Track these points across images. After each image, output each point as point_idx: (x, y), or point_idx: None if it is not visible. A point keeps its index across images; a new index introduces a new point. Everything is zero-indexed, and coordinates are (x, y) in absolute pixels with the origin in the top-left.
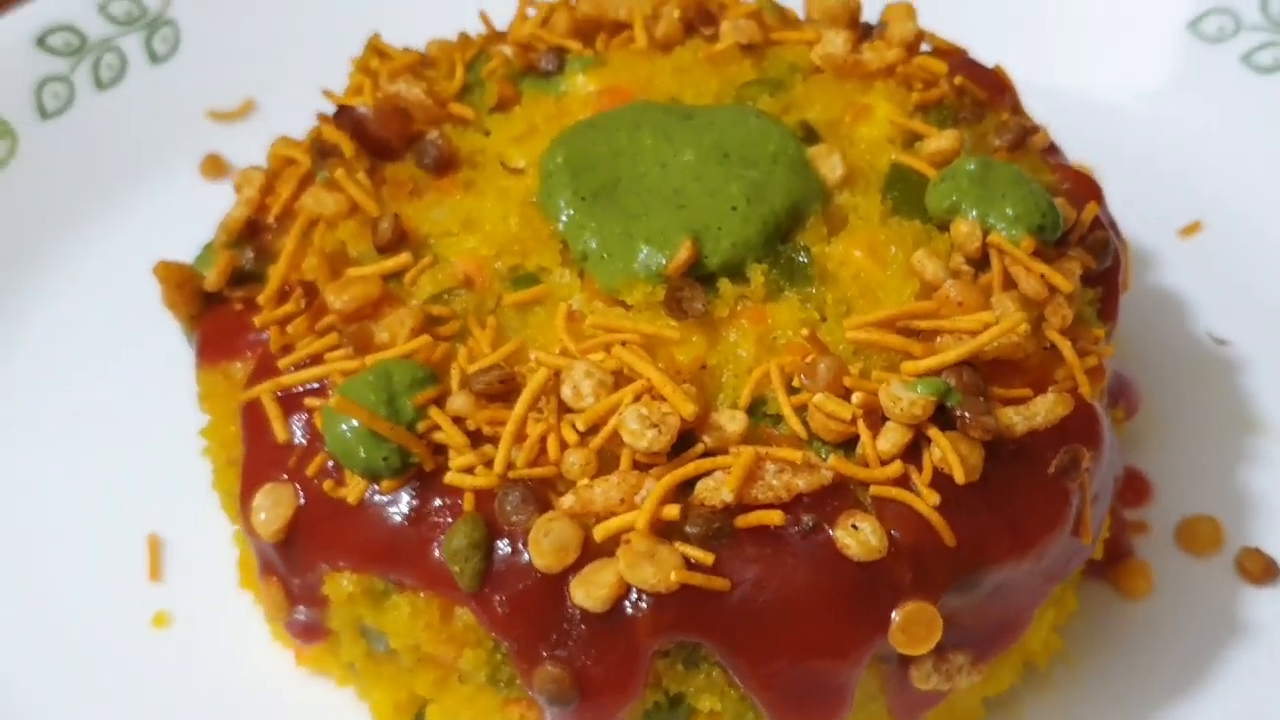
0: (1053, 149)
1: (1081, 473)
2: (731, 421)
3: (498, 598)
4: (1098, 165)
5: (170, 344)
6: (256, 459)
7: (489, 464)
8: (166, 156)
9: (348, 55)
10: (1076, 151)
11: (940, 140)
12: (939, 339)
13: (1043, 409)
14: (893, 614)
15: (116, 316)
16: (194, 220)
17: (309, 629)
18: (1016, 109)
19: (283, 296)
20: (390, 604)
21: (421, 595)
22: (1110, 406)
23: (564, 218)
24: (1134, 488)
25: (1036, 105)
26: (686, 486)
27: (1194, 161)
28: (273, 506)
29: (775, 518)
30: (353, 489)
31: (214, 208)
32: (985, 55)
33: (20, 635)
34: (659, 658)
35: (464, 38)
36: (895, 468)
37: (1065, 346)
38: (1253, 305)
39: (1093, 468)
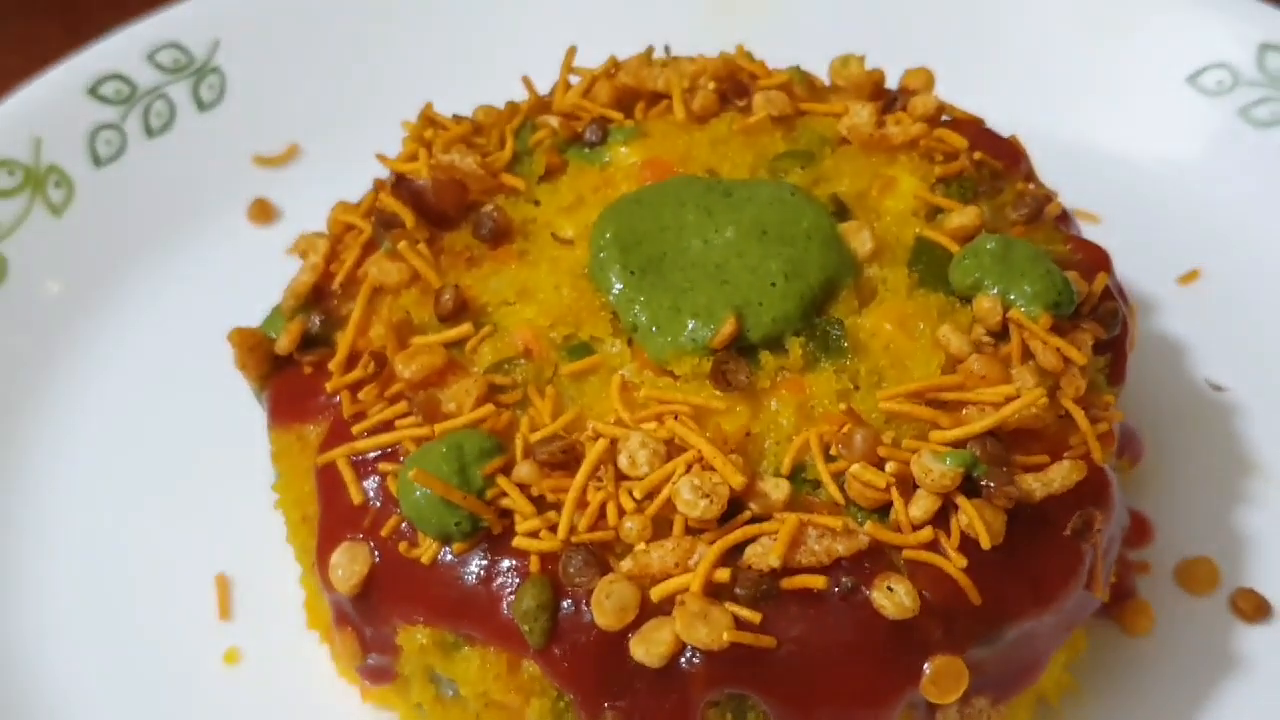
0: (1065, 216)
1: (1094, 533)
2: (776, 489)
3: (564, 654)
4: (1102, 213)
5: (229, 384)
6: (333, 518)
7: (553, 528)
8: (215, 201)
9: (387, 100)
10: (1082, 200)
11: (962, 217)
12: (964, 410)
13: (1059, 476)
14: (924, 667)
15: (176, 358)
16: (244, 264)
17: (379, 672)
18: (1030, 176)
19: (351, 362)
20: (461, 655)
21: (491, 649)
22: (1117, 457)
23: (614, 291)
24: (1137, 529)
25: (1043, 156)
26: (735, 550)
27: (1194, 211)
28: (349, 564)
29: (818, 582)
30: (426, 550)
31: (263, 251)
32: (996, 107)
33: (97, 672)
34: (710, 707)
35: (511, 106)
36: (926, 533)
37: (1079, 415)
38: (1249, 352)
39: (1104, 527)
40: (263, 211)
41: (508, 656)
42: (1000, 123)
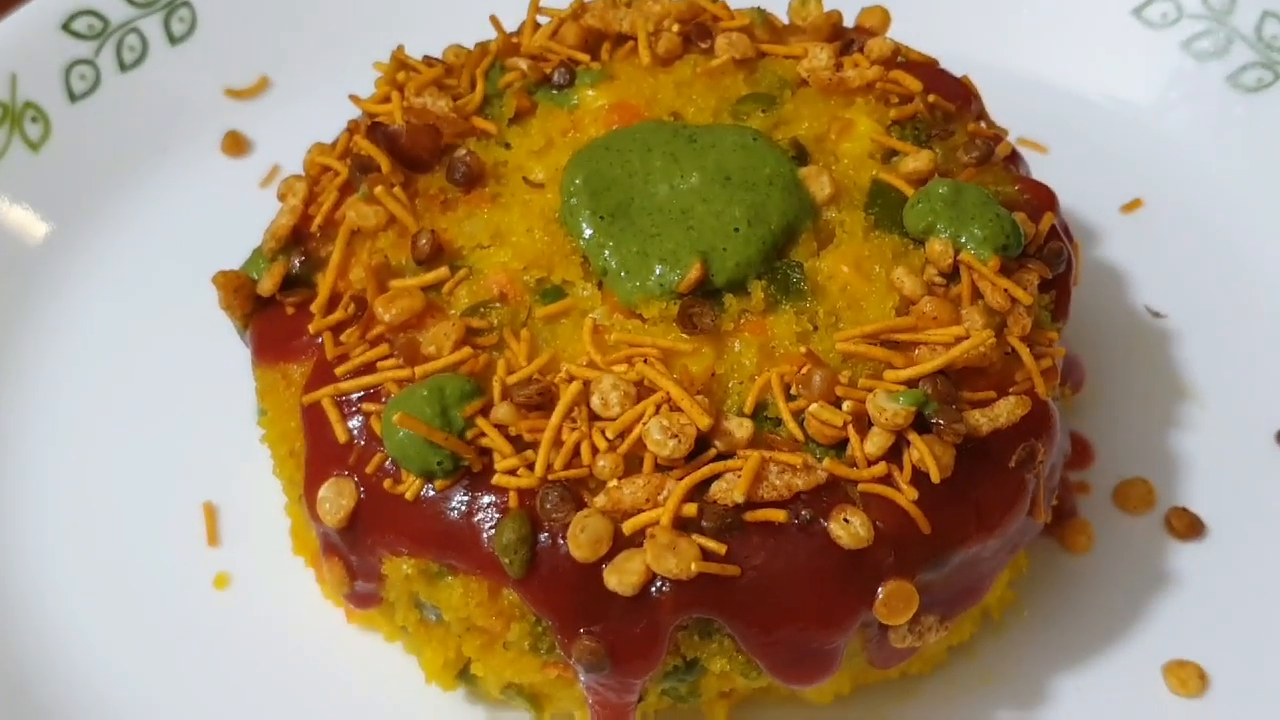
0: (1014, 156)
1: (1037, 464)
2: (739, 428)
3: (541, 583)
4: (1049, 144)
5: (208, 315)
6: (320, 455)
7: (530, 467)
8: (188, 134)
9: (355, 31)
10: (1030, 131)
11: (916, 161)
12: (916, 350)
13: (1004, 411)
14: (877, 590)
15: (157, 290)
16: (218, 195)
17: (365, 598)
18: (981, 115)
19: (332, 303)
20: (444, 584)
21: (473, 578)
22: (1060, 386)
23: (585, 236)
24: (1078, 451)
25: (993, 88)
26: (702, 485)
27: (1137, 142)
28: (336, 498)
29: (779, 516)
30: (410, 487)
31: (236, 182)
32: (948, 41)
33: (89, 599)
34: (678, 630)
35: (480, 47)
36: (880, 468)
37: (1024, 352)
38: (1186, 279)
39: (1046, 458)
40: (235, 144)
41: (489, 585)
42: (951, 56)
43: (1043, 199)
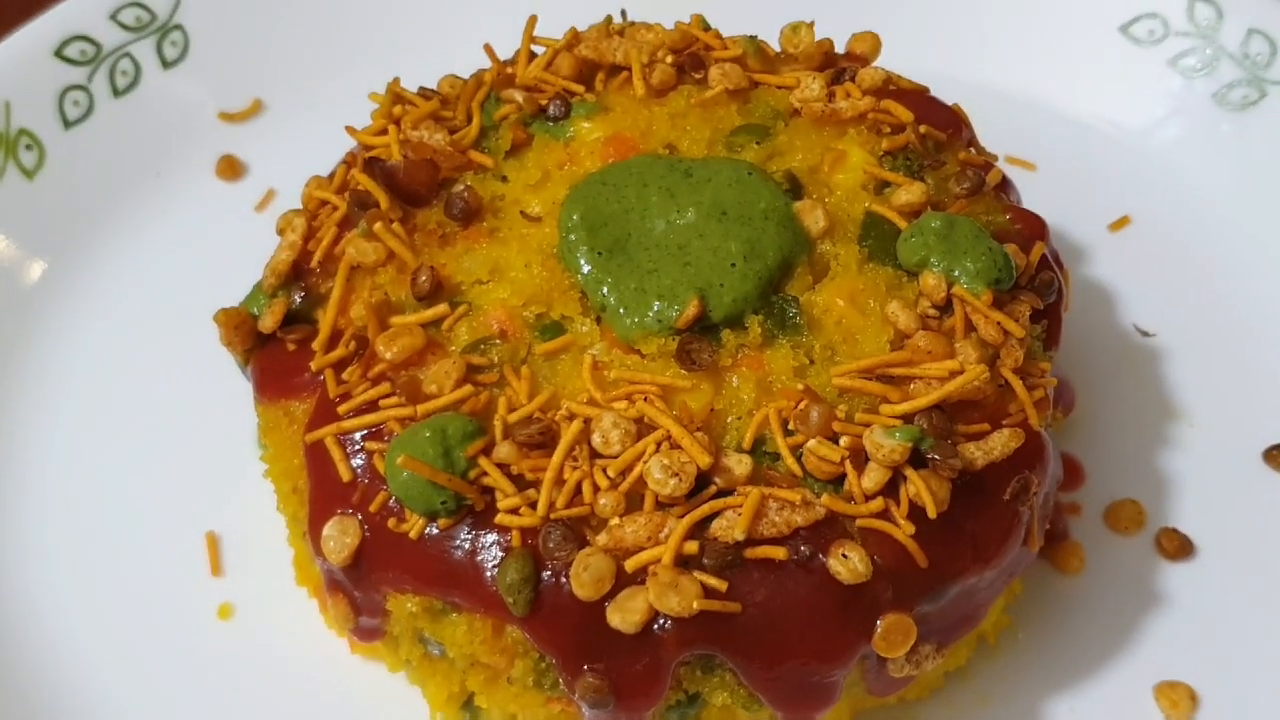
0: (1005, 183)
1: (1031, 496)
2: (739, 465)
3: (545, 622)
4: (1038, 161)
5: (207, 342)
6: (323, 494)
7: (532, 505)
8: (183, 158)
9: (348, 52)
10: (1019, 149)
11: (909, 194)
12: (912, 385)
13: (999, 444)
14: (876, 624)
15: (154, 317)
16: (214, 220)
17: (370, 632)
18: (972, 142)
19: (333, 340)
20: (449, 621)
21: (477, 615)
22: (1052, 409)
23: (583, 272)
24: (1069, 473)
25: (982, 106)
26: (703, 522)
27: (1125, 159)
28: (340, 536)
29: (779, 553)
30: (414, 526)
31: (232, 207)
32: (936, 59)
33: (93, 631)
34: (680, 665)
35: (476, 78)
36: (878, 503)
37: (1017, 384)
38: (1175, 298)
39: (1039, 489)
40: (230, 168)
41: (493, 622)
42: (940, 76)
43: (1033, 228)
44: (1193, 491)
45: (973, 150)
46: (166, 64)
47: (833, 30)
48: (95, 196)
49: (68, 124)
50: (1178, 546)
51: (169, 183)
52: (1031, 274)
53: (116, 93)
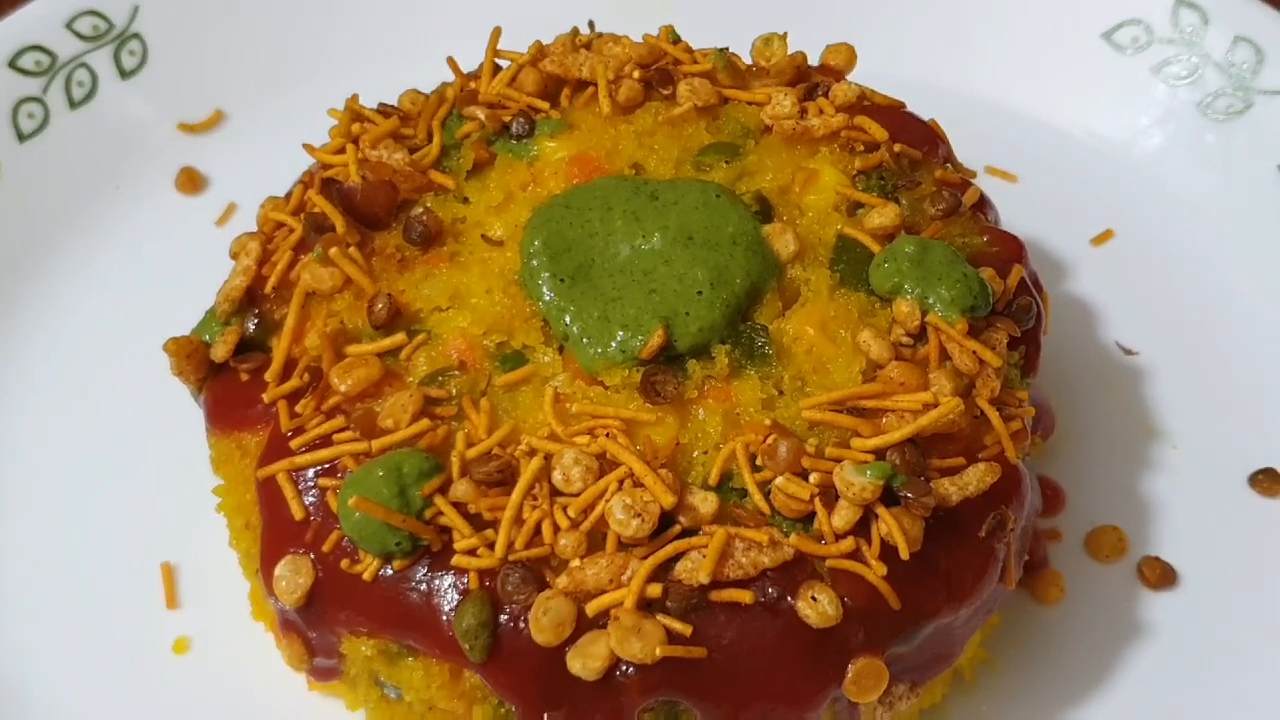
0: (982, 201)
1: (1008, 532)
2: (704, 503)
3: (504, 667)
4: (1019, 172)
5: (162, 361)
6: (275, 532)
7: (490, 546)
8: (142, 171)
9: (311, 62)
10: (1000, 160)
11: (882, 216)
12: (884, 418)
13: (974, 479)
14: (846, 668)
15: (112, 337)
16: (174, 234)
17: (326, 672)
18: (949, 159)
19: (287, 369)
20: (405, 665)
21: (434, 659)
22: (1030, 438)
23: (545, 299)
24: (1048, 498)
25: (961, 115)
26: (667, 564)
27: (1108, 170)
28: (293, 576)
29: (745, 596)
30: (368, 567)
31: (192, 220)
32: (914, 68)
33: (46, 664)
34: (644, 712)
35: (437, 94)
36: (848, 543)
37: (994, 416)
38: (1158, 315)
39: (1016, 525)
40: (190, 180)
41: (450, 667)
42: (919, 85)
43: (1011, 251)
44: (1176, 517)
45: (949, 167)
46: (125, 74)
47: (808, 40)
48: (51, 211)
49: (22, 137)
50: (1160, 575)
51: (127, 196)
52: (1009, 299)
53: (73, 104)
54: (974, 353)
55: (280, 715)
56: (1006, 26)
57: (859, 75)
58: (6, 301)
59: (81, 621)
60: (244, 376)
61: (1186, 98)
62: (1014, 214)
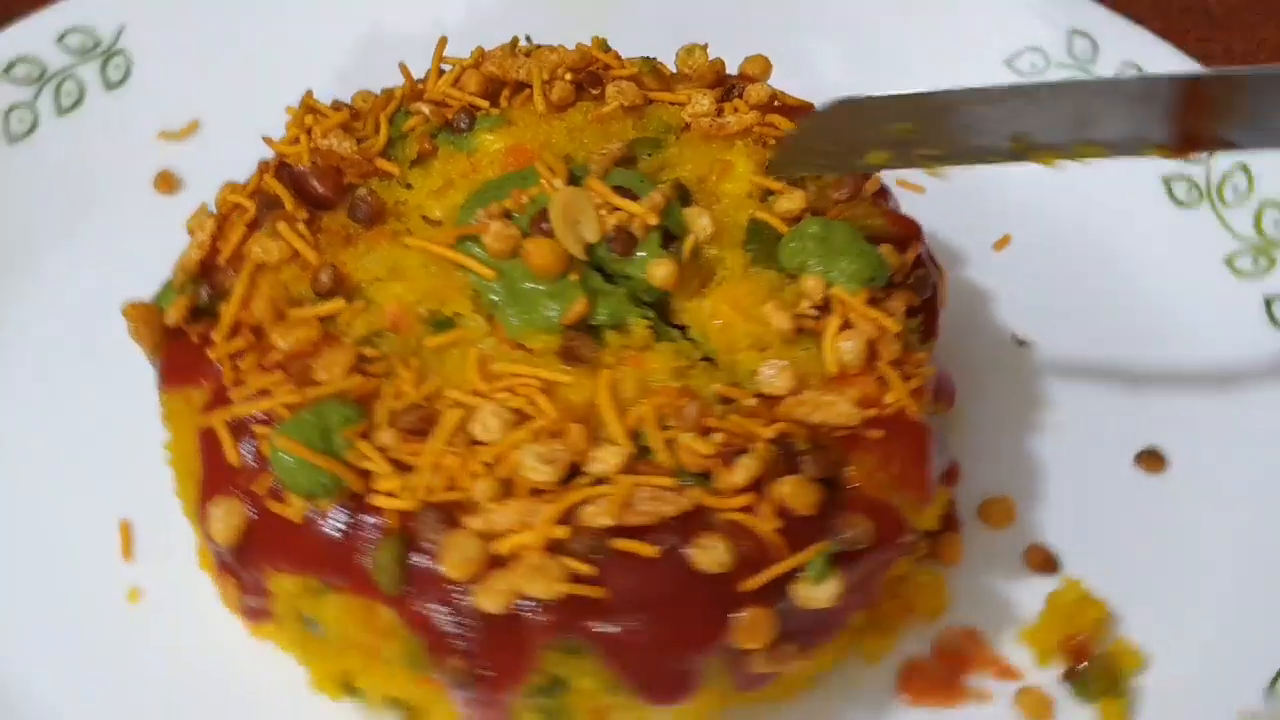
0: (883, 191)
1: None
2: (612, 455)
3: (414, 602)
4: (926, 185)
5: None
6: (212, 476)
7: (409, 489)
8: (123, 174)
9: (279, 76)
10: (908, 174)
11: (789, 201)
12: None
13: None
14: (735, 616)
15: (87, 323)
16: (151, 231)
17: (258, 613)
18: None
19: (234, 332)
20: (325, 600)
21: (351, 595)
22: (935, 402)
23: (475, 272)
24: (948, 470)
25: None
26: (574, 510)
27: (1007, 182)
28: (225, 517)
29: (646, 547)
30: (294, 508)
31: (167, 219)
32: (827, 88)
33: (6, 614)
34: (545, 649)
35: (387, 93)
36: (745, 498)
37: (894, 377)
38: (1049, 310)
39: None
40: (167, 182)
41: (366, 602)
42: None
43: (908, 230)
44: (1063, 492)
45: None
46: (110, 85)
47: (727, 56)
48: (38, 208)
49: (11, 139)
50: (1042, 561)
51: (109, 195)
52: (907, 272)
53: (61, 111)
54: (874, 320)
55: (223, 658)
56: (918, 48)
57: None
58: None
59: (40, 574)
60: (195, 339)
61: None
62: (921, 220)
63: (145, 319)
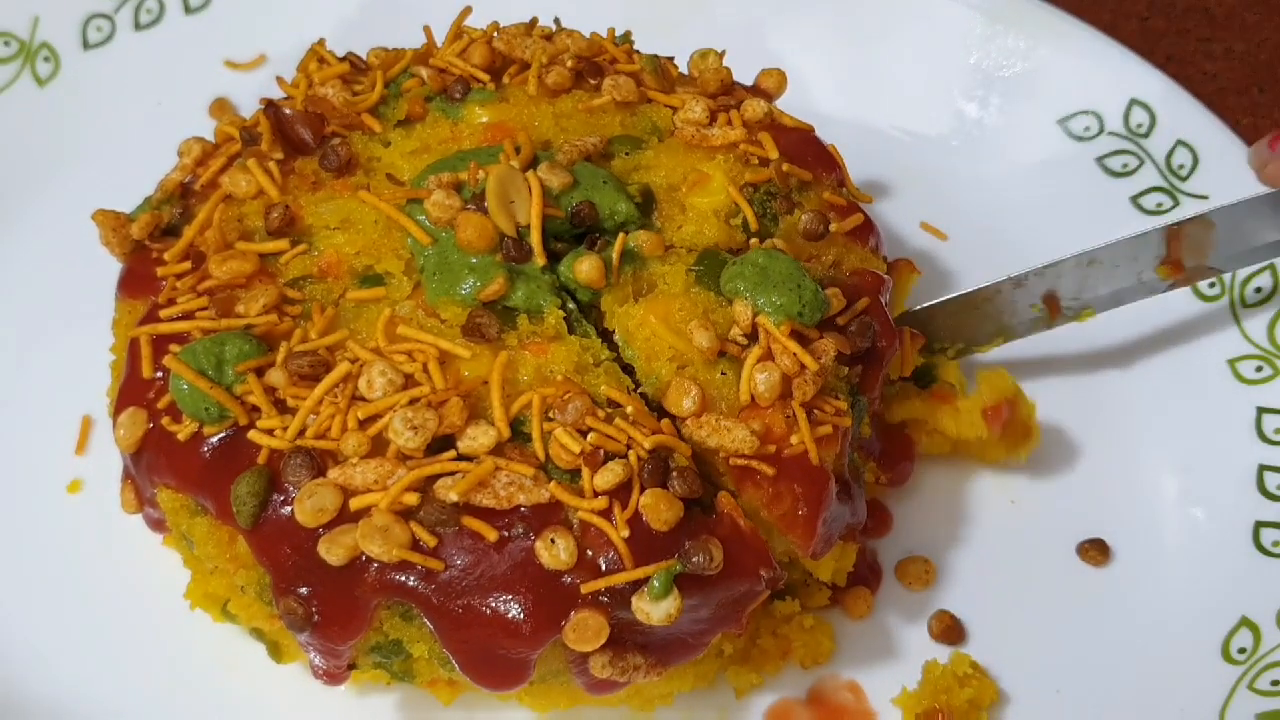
0: (865, 227)
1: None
2: (484, 435)
3: (265, 537)
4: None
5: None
6: (129, 386)
7: (286, 430)
8: (183, 94)
9: (350, 20)
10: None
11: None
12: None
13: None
14: (570, 615)
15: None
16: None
17: (156, 523)
18: (843, 183)
19: (186, 256)
20: (198, 521)
21: (217, 520)
22: (883, 472)
23: (412, 237)
24: (878, 520)
25: (858, 141)
26: (433, 479)
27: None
28: (129, 426)
29: (491, 534)
30: (185, 429)
31: None
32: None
33: None
34: (382, 608)
35: (396, 52)
36: (603, 501)
37: (801, 417)
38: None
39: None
40: (221, 109)
41: (229, 530)
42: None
43: (868, 284)
44: (998, 567)
45: (845, 191)
46: (189, 9)
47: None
48: (99, 116)
49: (87, 45)
50: (944, 630)
51: (168, 113)
52: (850, 319)
53: (138, 26)
54: (794, 355)
55: (145, 554)
56: (891, 59)
57: (796, 104)
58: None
59: None
60: (155, 254)
61: (1123, 190)
62: (946, 268)
63: (115, 227)
